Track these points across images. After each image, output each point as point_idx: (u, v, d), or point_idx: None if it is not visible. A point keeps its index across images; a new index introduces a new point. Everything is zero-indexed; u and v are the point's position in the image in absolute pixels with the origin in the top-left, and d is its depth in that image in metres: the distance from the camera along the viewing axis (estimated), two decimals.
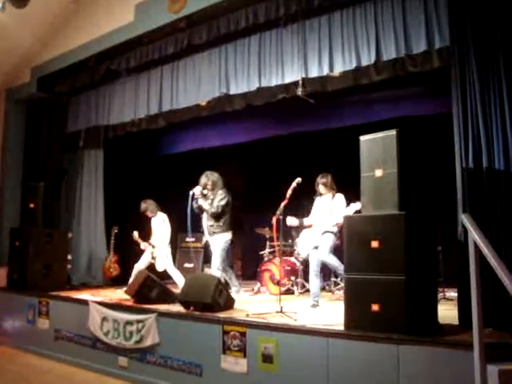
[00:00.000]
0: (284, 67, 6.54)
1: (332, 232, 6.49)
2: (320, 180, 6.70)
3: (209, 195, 7.14)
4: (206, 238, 7.36)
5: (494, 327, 4.28)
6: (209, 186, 7.15)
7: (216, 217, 7.05)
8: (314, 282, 6.43)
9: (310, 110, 7.88)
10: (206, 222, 7.17)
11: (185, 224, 7.01)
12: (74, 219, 9.60)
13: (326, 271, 8.14)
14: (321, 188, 6.71)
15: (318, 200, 6.84)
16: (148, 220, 8.33)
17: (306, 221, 6.87)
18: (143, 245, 8.06)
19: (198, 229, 7.55)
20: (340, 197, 6.67)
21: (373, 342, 4.23)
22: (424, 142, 5.36)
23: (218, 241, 7.08)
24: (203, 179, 7.20)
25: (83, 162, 9.77)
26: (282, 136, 9.20)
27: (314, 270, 6.45)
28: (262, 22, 6.64)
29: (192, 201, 7.04)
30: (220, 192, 7.12)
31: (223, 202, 7.04)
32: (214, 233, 7.12)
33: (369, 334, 4.28)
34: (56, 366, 6.79)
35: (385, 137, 4.62)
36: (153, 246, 8.00)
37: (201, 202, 7.06)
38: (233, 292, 7.09)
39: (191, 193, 7.01)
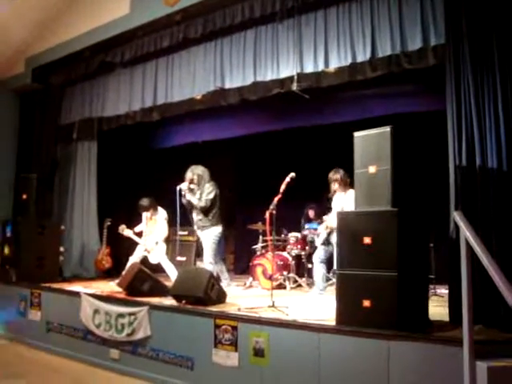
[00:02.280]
0: (279, 62, 6.54)
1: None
2: (333, 176, 6.74)
3: (196, 189, 7.12)
4: (197, 232, 7.36)
5: (484, 324, 4.32)
6: (195, 181, 7.12)
7: (205, 211, 7.04)
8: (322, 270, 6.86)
9: (304, 106, 7.88)
10: (196, 216, 7.16)
11: (182, 217, 7.01)
12: (67, 211, 9.57)
13: None
14: (335, 185, 6.77)
15: (334, 198, 6.91)
16: (140, 213, 8.34)
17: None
18: (140, 240, 8.11)
19: (189, 222, 7.55)
20: (351, 193, 6.73)
21: (364, 337, 4.25)
22: (418, 139, 5.37)
23: (208, 235, 7.07)
24: (189, 174, 7.17)
25: (77, 153, 9.72)
26: (277, 131, 9.20)
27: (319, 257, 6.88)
28: (258, 17, 6.64)
29: (180, 197, 7.00)
30: (207, 185, 7.10)
31: (211, 196, 7.03)
32: (204, 227, 7.11)
33: (360, 329, 4.31)
34: (47, 358, 6.79)
35: (379, 133, 4.63)
36: (148, 252, 8.03)
37: (189, 196, 7.03)
38: (224, 285, 7.12)
39: (178, 188, 6.98)
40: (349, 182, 6.63)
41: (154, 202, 8.21)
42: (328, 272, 7.71)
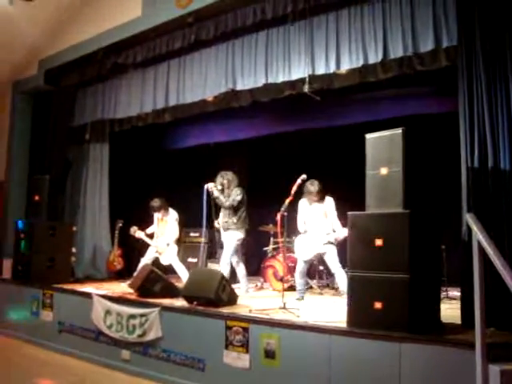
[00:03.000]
0: (291, 64, 6.52)
1: (334, 244, 6.73)
2: (312, 188, 6.80)
3: (225, 193, 7.27)
4: (221, 232, 7.45)
5: (497, 327, 4.29)
6: (225, 185, 7.36)
7: (231, 211, 7.16)
8: (300, 281, 6.94)
9: (316, 107, 7.89)
10: (222, 217, 7.32)
11: (195, 218, 7.07)
12: (79, 212, 9.61)
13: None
14: (313, 197, 6.85)
15: (305, 204, 6.92)
16: (151, 214, 8.38)
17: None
18: (151, 242, 8.15)
19: (201, 224, 7.58)
20: (330, 200, 6.81)
21: (375, 339, 4.24)
22: (430, 140, 5.36)
23: (231, 238, 7.20)
24: (219, 179, 7.39)
25: (89, 155, 9.77)
26: (288, 132, 9.20)
27: (301, 271, 6.92)
28: (270, 19, 6.62)
29: (207, 195, 7.14)
30: (236, 189, 7.30)
31: (239, 198, 7.23)
32: (228, 229, 7.24)
33: (371, 331, 4.30)
34: (59, 358, 6.83)
35: (390, 135, 4.63)
36: (160, 253, 8.06)
37: (216, 194, 7.21)
38: (241, 289, 7.17)
39: (205, 187, 7.14)
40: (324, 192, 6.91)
41: (165, 203, 8.25)
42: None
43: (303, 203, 6.98)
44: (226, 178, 7.39)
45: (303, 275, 6.94)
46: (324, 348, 4.51)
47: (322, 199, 6.86)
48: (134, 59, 8.22)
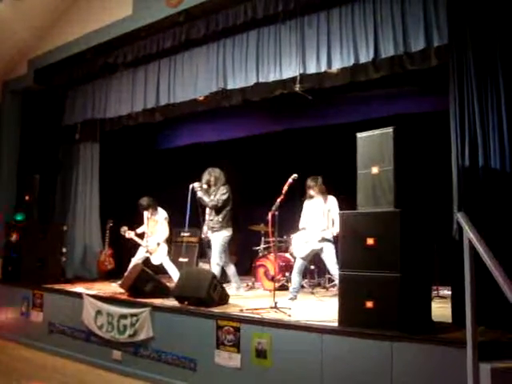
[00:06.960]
0: (282, 63, 6.52)
1: (332, 241, 6.61)
2: (310, 183, 6.81)
3: (211, 190, 7.19)
4: (207, 232, 7.37)
5: (487, 325, 4.29)
6: (212, 182, 7.24)
7: (216, 210, 7.11)
8: (297, 278, 6.78)
9: (307, 107, 7.88)
10: (208, 216, 7.24)
11: (184, 218, 7.02)
12: (69, 212, 9.57)
13: (322, 268, 8.15)
14: (311, 191, 6.83)
15: (308, 203, 6.91)
16: (141, 214, 8.34)
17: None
18: (142, 242, 8.11)
19: (194, 223, 7.54)
20: (333, 199, 6.76)
21: (366, 338, 4.24)
22: (420, 139, 5.36)
23: (217, 237, 7.12)
24: (206, 176, 7.28)
25: (79, 155, 9.72)
26: (279, 132, 9.20)
27: (299, 268, 6.80)
28: (261, 18, 6.60)
29: (192, 194, 7.07)
30: (222, 187, 7.20)
31: (224, 197, 7.13)
32: (214, 228, 7.16)
33: (362, 330, 4.29)
34: (49, 359, 6.80)
35: (381, 134, 4.63)
36: (150, 253, 8.01)
37: (200, 194, 7.11)
38: (233, 288, 7.15)
39: (191, 187, 7.06)
40: (326, 190, 6.84)
41: (154, 202, 8.21)
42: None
43: (306, 200, 7.00)
44: (213, 174, 7.29)
45: (300, 273, 6.86)
46: (316, 347, 4.50)
47: (321, 195, 6.80)
48: (124, 58, 8.18)
